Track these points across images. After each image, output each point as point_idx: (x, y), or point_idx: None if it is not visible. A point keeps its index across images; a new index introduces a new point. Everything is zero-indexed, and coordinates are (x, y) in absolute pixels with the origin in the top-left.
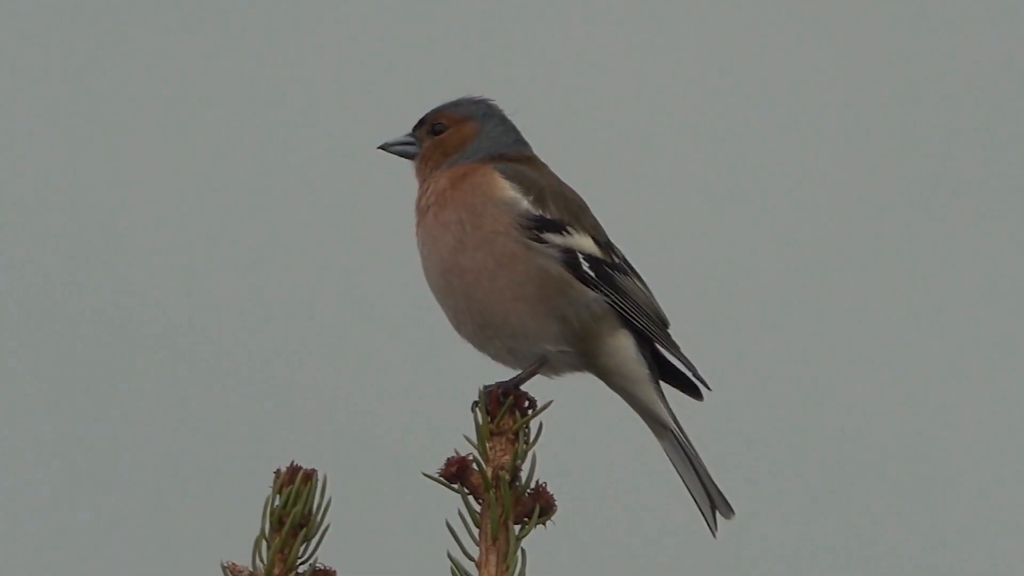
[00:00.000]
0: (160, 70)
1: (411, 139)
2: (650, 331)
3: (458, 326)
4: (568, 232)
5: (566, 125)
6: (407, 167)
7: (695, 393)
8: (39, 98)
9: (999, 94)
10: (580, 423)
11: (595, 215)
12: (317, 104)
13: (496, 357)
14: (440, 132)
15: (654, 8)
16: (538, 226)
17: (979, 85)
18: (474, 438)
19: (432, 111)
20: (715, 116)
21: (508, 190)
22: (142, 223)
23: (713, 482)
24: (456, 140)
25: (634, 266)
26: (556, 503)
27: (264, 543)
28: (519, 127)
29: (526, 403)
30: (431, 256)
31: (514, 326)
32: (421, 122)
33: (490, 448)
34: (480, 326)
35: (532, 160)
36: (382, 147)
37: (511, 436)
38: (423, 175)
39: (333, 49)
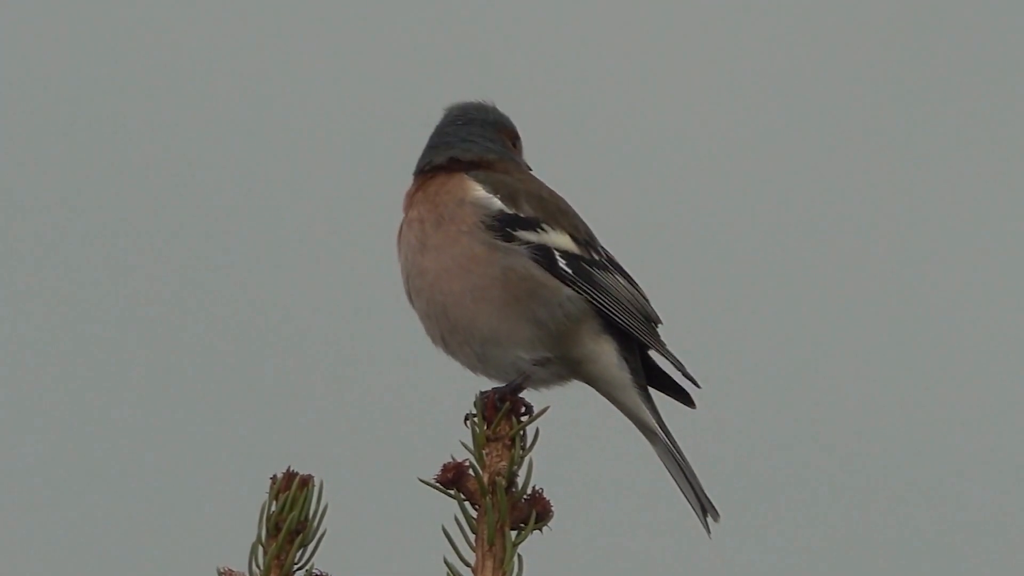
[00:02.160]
0: (156, 70)
1: None
2: (634, 329)
3: (429, 331)
4: (543, 230)
5: (557, 120)
6: (406, 172)
7: (689, 401)
8: (44, 98)
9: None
10: (576, 429)
11: (582, 217)
12: (312, 106)
13: (468, 365)
14: None
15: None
16: (509, 224)
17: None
18: (470, 444)
19: None
20: (703, 108)
21: (479, 190)
22: (139, 223)
23: (700, 485)
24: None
25: (620, 264)
26: (552, 509)
27: (260, 549)
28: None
29: (522, 409)
30: (402, 260)
31: (483, 330)
32: None
33: (486, 454)
34: (448, 331)
35: (497, 164)
36: None
37: (507, 442)
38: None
39: (328, 48)
